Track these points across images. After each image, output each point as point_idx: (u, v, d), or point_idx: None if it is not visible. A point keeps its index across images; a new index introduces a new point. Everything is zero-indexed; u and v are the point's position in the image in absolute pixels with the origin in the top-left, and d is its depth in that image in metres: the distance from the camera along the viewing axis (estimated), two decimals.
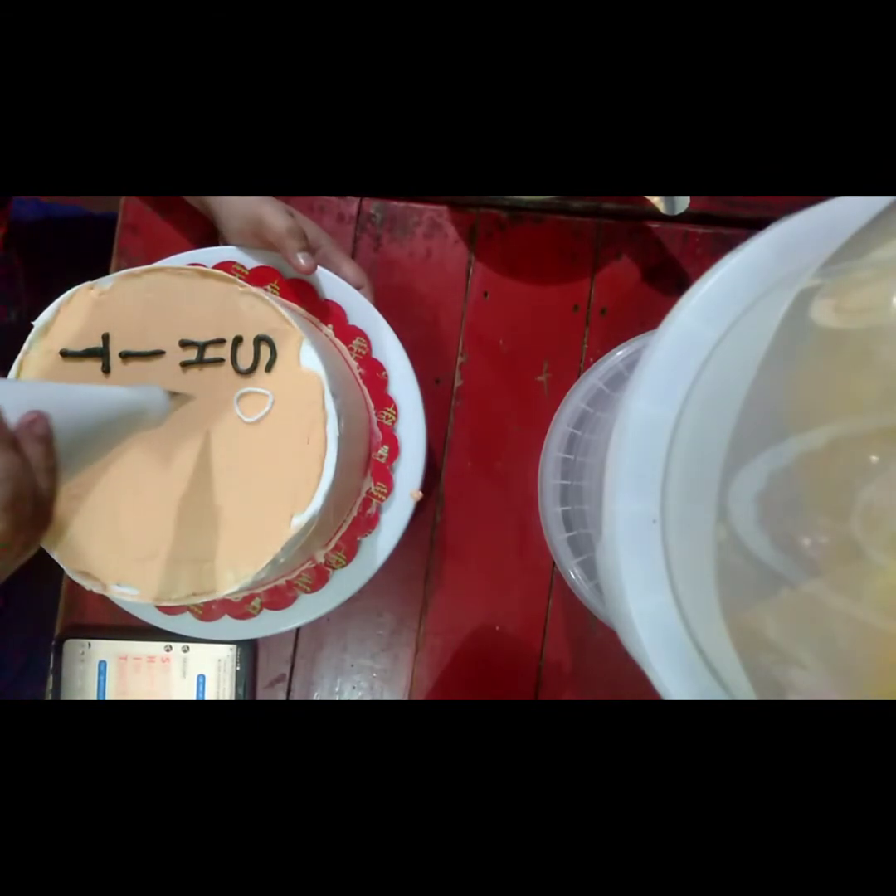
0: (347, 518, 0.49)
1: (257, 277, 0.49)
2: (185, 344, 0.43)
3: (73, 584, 0.42)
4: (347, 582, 0.49)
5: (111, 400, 0.35)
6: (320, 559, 0.48)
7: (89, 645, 0.54)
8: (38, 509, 0.28)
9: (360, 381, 0.50)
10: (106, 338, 0.43)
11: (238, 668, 0.54)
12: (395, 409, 0.50)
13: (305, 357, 0.42)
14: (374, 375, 0.50)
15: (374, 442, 0.50)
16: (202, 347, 0.43)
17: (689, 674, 0.31)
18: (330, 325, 0.50)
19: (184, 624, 0.49)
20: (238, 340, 0.43)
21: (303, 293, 0.50)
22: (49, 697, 0.54)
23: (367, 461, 0.50)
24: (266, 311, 0.43)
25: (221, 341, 0.43)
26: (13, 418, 0.28)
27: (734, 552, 0.27)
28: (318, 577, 0.49)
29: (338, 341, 0.50)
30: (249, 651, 0.54)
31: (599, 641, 0.55)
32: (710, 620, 0.29)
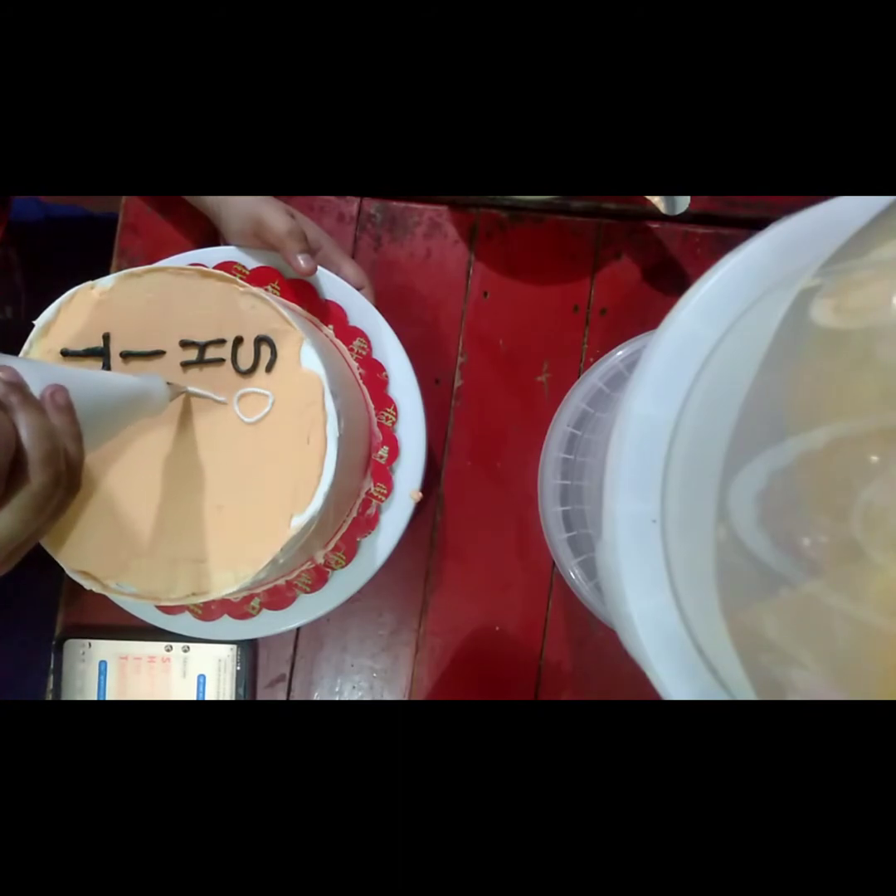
0: (347, 518, 0.49)
1: (258, 278, 0.49)
2: (185, 344, 0.43)
3: (74, 583, 0.42)
4: (347, 582, 0.49)
5: (119, 383, 0.37)
6: (320, 559, 0.48)
7: (89, 645, 0.54)
8: (69, 472, 0.30)
9: (361, 381, 0.50)
10: (106, 337, 0.43)
11: (238, 668, 0.54)
12: (395, 409, 0.50)
13: (306, 357, 0.42)
14: (375, 376, 0.50)
15: (375, 442, 0.50)
16: (202, 347, 0.43)
17: (689, 674, 0.31)
18: (330, 326, 0.50)
19: (183, 624, 0.49)
20: (238, 341, 0.43)
21: (303, 293, 0.50)
22: (49, 697, 0.54)
23: (367, 462, 0.50)
24: (267, 312, 0.43)
25: (222, 341, 0.43)
26: (36, 390, 0.30)
27: (734, 552, 0.27)
28: (318, 578, 0.49)
29: (338, 342, 0.50)
30: (249, 651, 0.54)
31: (599, 641, 0.55)
32: (710, 620, 0.29)
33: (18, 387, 0.29)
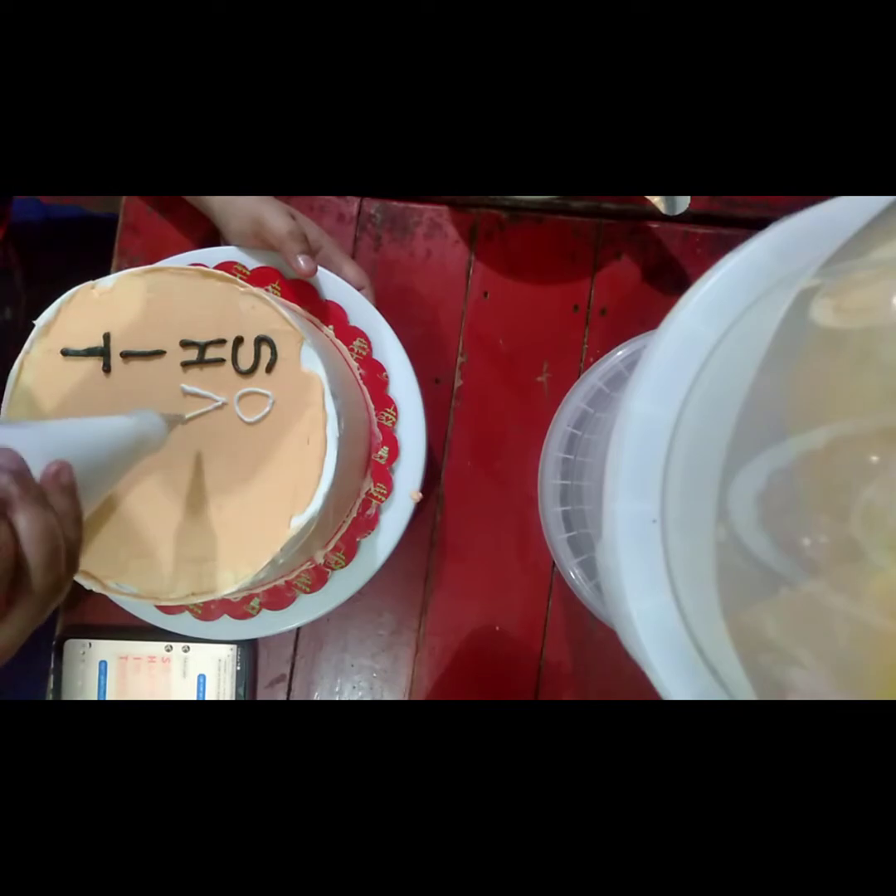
0: (347, 519, 0.49)
1: (258, 278, 0.49)
2: (185, 344, 0.43)
3: (74, 583, 0.42)
4: (346, 583, 0.49)
5: (115, 433, 0.35)
6: (320, 560, 0.48)
7: (89, 645, 0.54)
8: (68, 558, 0.28)
9: (361, 381, 0.50)
10: (107, 337, 0.43)
11: (238, 668, 0.54)
12: (395, 410, 0.50)
13: (306, 358, 0.42)
14: (375, 376, 0.50)
15: (375, 443, 0.50)
16: (203, 347, 0.43)
17: (689, 674, 0.31)
18: (331, 326, 0.50)
19: (183, 624, 0.49)
20: (239, 341, 0.43)
21: (304, 294, 0.50)
22: (49, 697, 0.54)
23: (367, 462, 0.50)
24: (267, 312, 0.43)
25: (222, 341, 0.43)
26: (37, 469, 0.28)
27: (734, 552, 0.27)
28: (318, 578, 0.49)
29: (338, 342, 0.50)
30: (249, 651, 0.54)
31: (599, 642, 0.55)
32: (710, 620, 0.29)
33: (19, 474, 0.26)
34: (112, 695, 0.54)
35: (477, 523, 0.56)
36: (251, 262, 0.50)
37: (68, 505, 0.28)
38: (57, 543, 0.27)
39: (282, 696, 0.55)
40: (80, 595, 0.55)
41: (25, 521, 0.26)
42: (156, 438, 0.38)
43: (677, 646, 0.31)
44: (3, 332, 0.62)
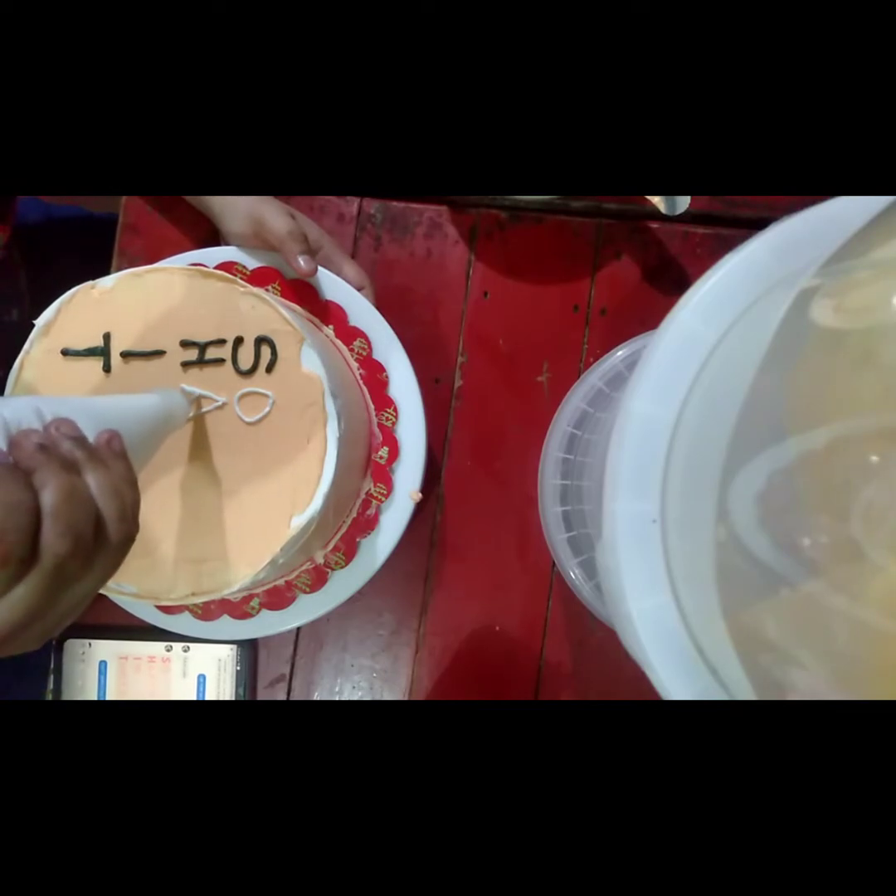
0: (347, 519, 0.49)
1: (258, 278, 0.49)
2: (185, 344, 0.43)
3: None
4: (346, 583, 0.49)
5: (149, 408, 0.37)
6: (319, 560, 0.48)
7: (89, 645, 0.54)
8: (133, 517, 0.30)
9: (361, 382, 0.50)
10: (107, 337, 0.43)
11: (238, 668, 0.54)
12: (395, 410, 0.50)
13: (306, 358, 0.42)
14: (375, 376, 0.50)
15: (374, 443, 0.50)
16: (203, 347, 0.43)
17: (689, 674, 0.31)
18: (331, 326, 0.50)
19: (183, 623, 0.49)
20: (239, 341, 0.43)
21: (304, 294, 0.50)
22: (49, 697, 0.54)
23: (367, 462, 0.50)
24: (267, 312, 0.43)
25: (222, 341, 0.43)
26: (90, 438, 0.29)
27: (734, 552, 0.27)
28: (317, 578, 0.49)
29: (338, 342, 0.50)
30: (249, 651, 0.54)
31: (599, 642, 0.55)
32: (710, 620, 0.29)
33: (81, 441, 0.28)
34: (112, 695, 0.54)
35: (477, 523, 0.56)
36: (251, 262, 0.50)
37: (124, 468, 0.30)
38: (124, 499, 0.29)
39: (282, 696, 0.55)
40: None
41: (95, 479, 0.28)
42: (180, 414, 0.40)
43: (677, 646, 0.31)
44: (10, 333, 0.61)
